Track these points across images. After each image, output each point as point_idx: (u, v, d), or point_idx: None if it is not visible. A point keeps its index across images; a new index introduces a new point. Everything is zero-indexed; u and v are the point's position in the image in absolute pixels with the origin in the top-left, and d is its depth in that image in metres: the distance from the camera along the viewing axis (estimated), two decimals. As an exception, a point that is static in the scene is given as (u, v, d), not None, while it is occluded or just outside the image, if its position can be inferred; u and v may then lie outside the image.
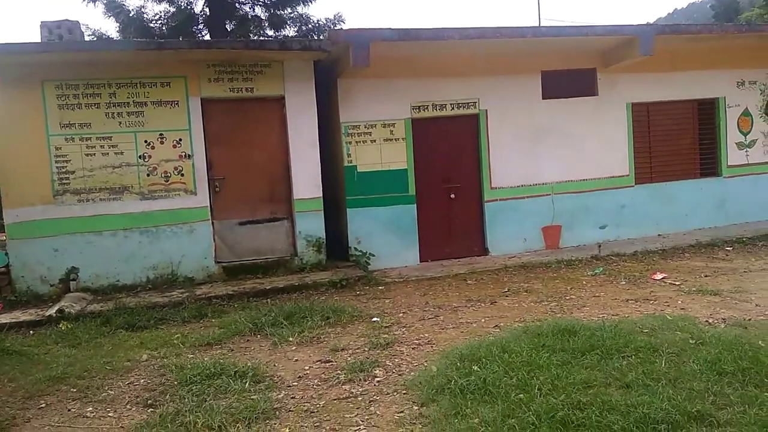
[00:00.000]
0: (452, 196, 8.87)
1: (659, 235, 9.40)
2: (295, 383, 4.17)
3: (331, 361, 4.56)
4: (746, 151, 9.96)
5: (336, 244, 8.58)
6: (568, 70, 9.15)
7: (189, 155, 7.70)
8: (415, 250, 8.69)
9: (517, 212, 9.00)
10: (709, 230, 9.48)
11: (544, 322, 5.03)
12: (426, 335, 5.15)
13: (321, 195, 8.19)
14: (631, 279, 6.90)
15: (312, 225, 8.13)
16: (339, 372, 4.29)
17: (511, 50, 8.63)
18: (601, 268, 7.48)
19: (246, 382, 4.13)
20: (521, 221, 9.03)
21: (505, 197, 8.98)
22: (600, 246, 8.59)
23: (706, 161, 9.88)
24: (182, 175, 7.70)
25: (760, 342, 4.26)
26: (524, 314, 5.65)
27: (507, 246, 8.96)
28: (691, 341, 4.37)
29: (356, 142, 8.44)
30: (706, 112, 9.84)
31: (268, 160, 8.09)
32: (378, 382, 4.06)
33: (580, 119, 9.18)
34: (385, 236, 8.49)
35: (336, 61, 8.22)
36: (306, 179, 8.11)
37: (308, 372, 4.38)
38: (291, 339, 5.16)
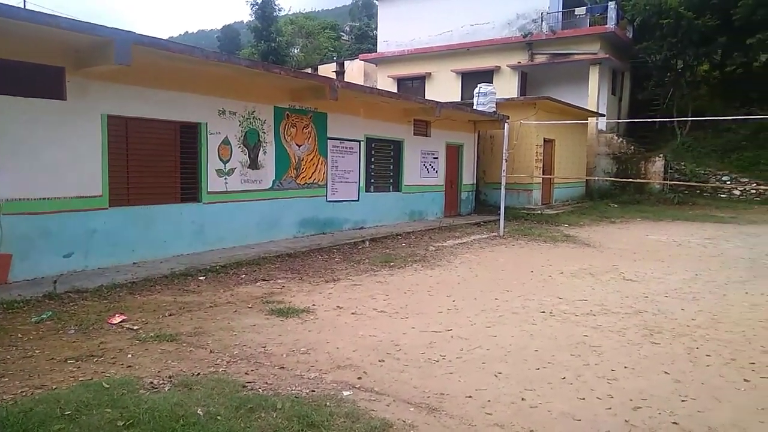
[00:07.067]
0: None
1: (135, 263, 8.57)
2: None
3: None
4: (225, 179, 10.22)
5: None
6: (29, 64, 7.40)
7: None
8: None
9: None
10: (187, 257, 9.23)
11: None
12: None
13: None
14: (84, 325, 5.74)
15: None
16: None
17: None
18: (50, 312, 6.07)
19: None
20: (-51, 249, 6.73)
21: None
22: (56, 281, 7.12)
23: (188, 186, 9.64)
24: None
25: (198, 410, 3.75)
26: None
27: (-76, 284, 6.52)
28: (120, 423, 3.53)
29: None
30: (189, 136, 9.61)
31: None
32: None
33: (43, 125, 7.54)
34: None
35: None
36: None
37: None
38: None
